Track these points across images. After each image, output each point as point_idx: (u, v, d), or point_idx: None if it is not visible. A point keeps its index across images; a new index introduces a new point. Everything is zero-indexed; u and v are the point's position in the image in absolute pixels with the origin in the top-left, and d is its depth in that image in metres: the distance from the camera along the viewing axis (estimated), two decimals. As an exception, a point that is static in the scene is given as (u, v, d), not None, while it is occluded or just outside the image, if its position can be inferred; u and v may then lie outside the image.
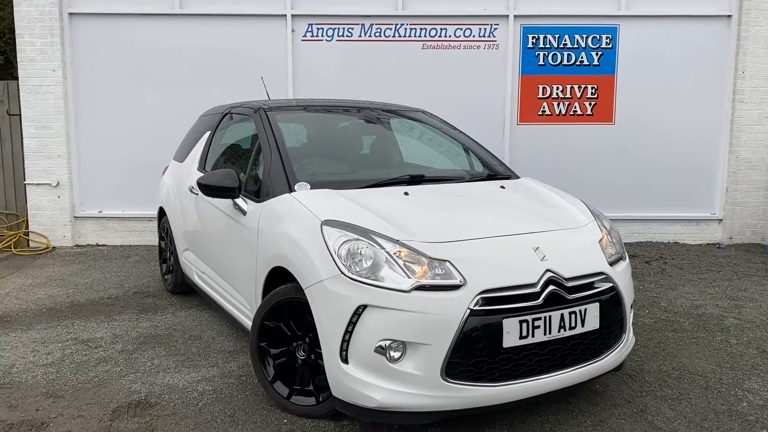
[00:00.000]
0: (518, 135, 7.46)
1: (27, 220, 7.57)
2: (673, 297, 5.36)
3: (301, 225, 3.17)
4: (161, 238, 5.69)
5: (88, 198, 7.56)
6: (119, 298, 5.36)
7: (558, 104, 7.43)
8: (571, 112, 7.43)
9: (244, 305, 3.81)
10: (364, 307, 2.78)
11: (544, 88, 7.41)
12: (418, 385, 2.74)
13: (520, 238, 3.06)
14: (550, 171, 7.03)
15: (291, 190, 3.46)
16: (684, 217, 7.55)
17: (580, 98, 7.41)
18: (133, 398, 3.44)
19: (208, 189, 3.74)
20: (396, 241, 2.89)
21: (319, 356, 3.08)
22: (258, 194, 3.67)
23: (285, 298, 3.20)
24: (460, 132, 4.57)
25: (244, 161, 4.11)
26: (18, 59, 7.23)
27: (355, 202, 3.23)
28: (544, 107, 7.44)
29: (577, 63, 7.37)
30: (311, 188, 3.45)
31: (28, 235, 7.50)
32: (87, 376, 3.74)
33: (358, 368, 2.82)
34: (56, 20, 7.12)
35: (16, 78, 7.40)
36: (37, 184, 7.39)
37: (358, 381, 2.81)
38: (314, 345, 3.11)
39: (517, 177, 4.13)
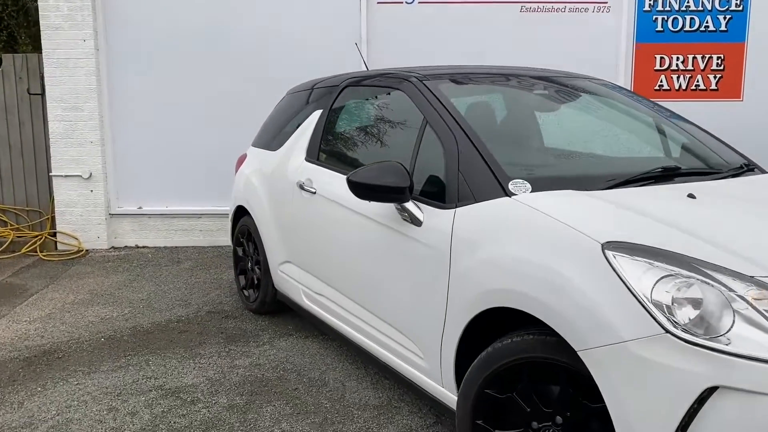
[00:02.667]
0: (632, 114, 6.36)
1: (52, 217, 6.44)
2: None
3: (553, 247, 2.09)
4: (238, 243, 4.59)
5: (126, 192, 6.41)
6: (192, 321, 4.27)
7: (678, 77, 6.32)
8: (693, 87, 6.34)
9: (413, 352, 2.73)
10: (713, 389, 1.72)
11: (662, 58, 6.30)
12: None
13: None
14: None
15: (505, 191, 2.38)
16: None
17: (703, 70, 6.31)
18: (282, 496, 2.38)
19: (363, 189, 2.66)
20: (749, 279, 1.82)
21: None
22: (440, 197, 2.59)
23: (524, 358, 2.14)
24: (668, 110, 3.50)
25: (398, 150, 3.01)
26: (41, 27, 6.03)
27: (632, 211, 2.15)
28: (661, 80, 6.33)
29: (701, 29, 6.25)
30: (532, 189, 2.38)
31: (55, 236, 6.38)
32: (199, 454, 2.67)
33: (703, 486, 1.76)
34: (86, -21, 5.95)
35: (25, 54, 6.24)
36: (66, 176, 6.24)
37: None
38: (572, 431, 2.06)
39: (763, 169, 3.08)
